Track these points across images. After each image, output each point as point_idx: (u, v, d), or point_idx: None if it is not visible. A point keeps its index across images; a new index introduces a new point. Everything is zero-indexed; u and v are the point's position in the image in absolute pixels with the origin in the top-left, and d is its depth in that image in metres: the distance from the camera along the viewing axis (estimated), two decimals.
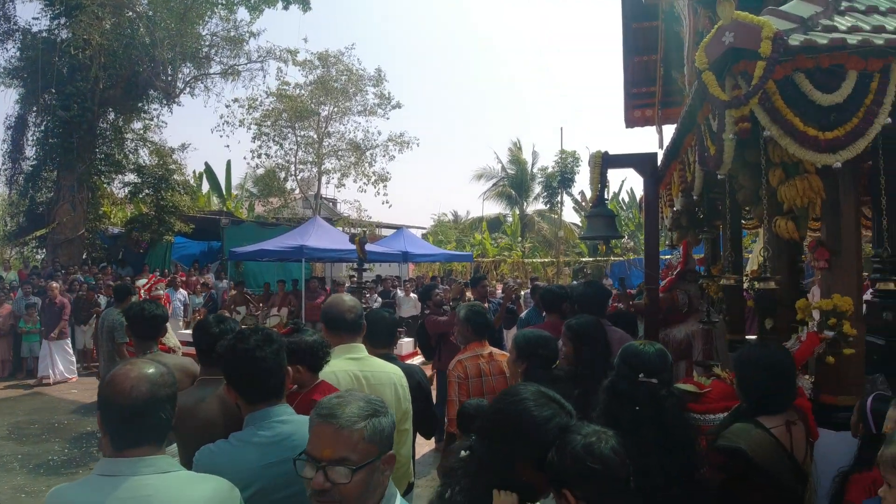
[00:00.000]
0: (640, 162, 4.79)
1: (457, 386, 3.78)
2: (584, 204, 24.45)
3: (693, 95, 3.43)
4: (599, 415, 2.44)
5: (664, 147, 5.28)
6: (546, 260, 24.86)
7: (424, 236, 30.16)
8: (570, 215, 32.12)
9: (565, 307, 4.53)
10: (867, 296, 4.21)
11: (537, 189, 33.21)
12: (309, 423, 1.66)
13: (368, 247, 16.59)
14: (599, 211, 4.98)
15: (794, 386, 2.64)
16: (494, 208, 35.79)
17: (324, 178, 24.60)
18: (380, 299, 14.57)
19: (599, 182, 4.88)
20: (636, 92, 7.99)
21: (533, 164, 34.43)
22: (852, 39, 2.83)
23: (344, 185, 25.09)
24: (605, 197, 4.96)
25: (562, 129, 46.70)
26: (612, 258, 22.01)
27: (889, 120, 2.81)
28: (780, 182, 3.17)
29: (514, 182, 34.26)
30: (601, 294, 4.18)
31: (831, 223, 3.32)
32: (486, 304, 7.93)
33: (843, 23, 3.08)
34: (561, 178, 24.95)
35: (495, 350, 4.00)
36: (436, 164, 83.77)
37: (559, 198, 25.79)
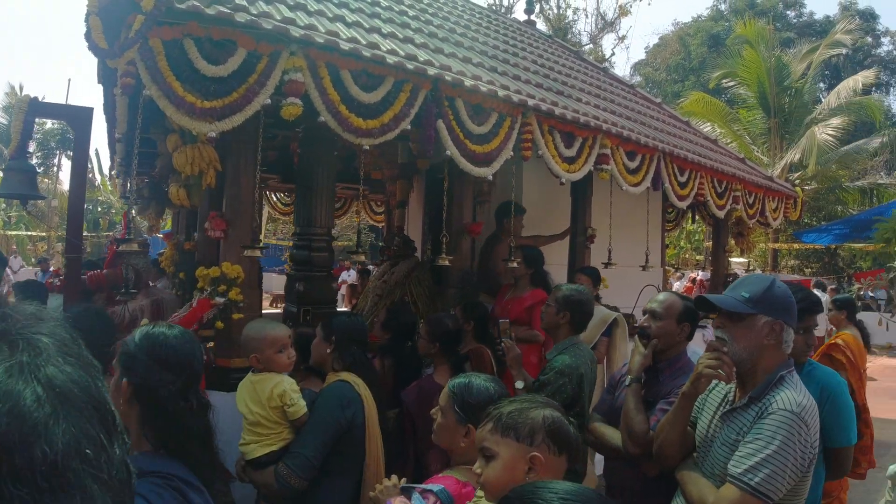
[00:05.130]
0: (73, 115, 4.26)
1: None
2: (90, 174, 21.90)
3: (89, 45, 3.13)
4: None
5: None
6: (36, 234, 21.31)
7: None
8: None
9: None
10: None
11: (31, 148, 28.38)
12: None
13: None
14: (19, 164, 4.27)
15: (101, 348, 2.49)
16: None
17: None
18: None
19: (22, 131, 4.18)
20: None
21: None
22: (241, 18, 2.92)
23: None
24: (29, 150, 4.28)
25: (70, 80, 40.94)
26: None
27: (269, 101, 3.00)
28: (175, 148, 3.14)
29: (4, 135, 28.60)
30: None
31: (231, 195, 3.45)
32: None
33: (260, 7, 3.18)
34: (61, 138, 21.77)
35: None
36: None
37: (57, 160, 22.45)
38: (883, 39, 34.15)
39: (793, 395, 1.93)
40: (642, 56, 42.40)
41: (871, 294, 17.44)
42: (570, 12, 30.03)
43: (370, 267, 10.06)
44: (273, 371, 2.73)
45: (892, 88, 33.62)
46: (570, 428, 1.64)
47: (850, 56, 30.21)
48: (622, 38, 26.79)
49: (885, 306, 16.77)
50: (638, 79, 38.73)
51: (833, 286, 12.33)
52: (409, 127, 3.48)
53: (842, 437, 2.74)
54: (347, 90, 3.21)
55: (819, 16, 34.89)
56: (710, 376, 2.06)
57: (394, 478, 2.10)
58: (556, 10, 28.35)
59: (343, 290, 12.71)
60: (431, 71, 3.56)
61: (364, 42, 3.41)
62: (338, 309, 9.91)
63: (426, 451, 2.92)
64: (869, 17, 33.47)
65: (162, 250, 6.23)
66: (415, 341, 3.61)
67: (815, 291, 11.04)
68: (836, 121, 18.14)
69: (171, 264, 5.44)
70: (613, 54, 35.02)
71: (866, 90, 21.10)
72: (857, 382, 5.20)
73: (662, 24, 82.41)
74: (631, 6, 28.39)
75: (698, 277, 14.76)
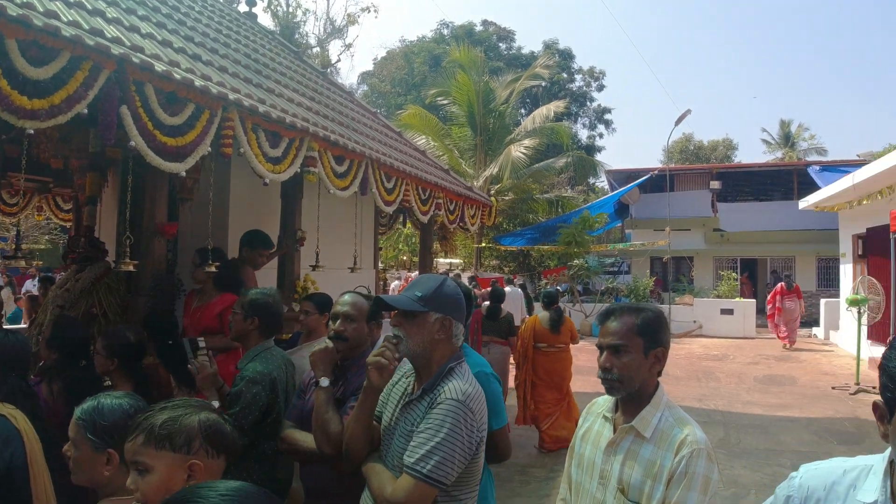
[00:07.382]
0: None
1: None
2: None
3: None
4: None
5: None
6: None
7: None
8: None
9: None
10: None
11: None
12: None
13: None
14: None
15: None
16: None
17: None
18: None
19: None
20: None
21: None
22: None
23: None
24: None
25: None
26: None
27: None
28: None
29: None
30: None
31: None
32: None
33: None
34: None
35: None
36: None
37: None
38: (576, 76, 40.07)
39: (459, 385, 2.08)
40: (370, 67, 43.85)
41: (559, 288, 20.41)
42: (299, 12, 29.82)
43: (55, 275, 8.72)
44: None
45: (579, 118, 39.67)
46: (227, 427, 1.64)
47: (548, 88, 34.95)
48: (349, 46, 27.36)
49: (568, 297, 19.75)
50: (365, 88, 39.99)
51: (521, 282, 14.39)
52: (85, 111, 3.05)
53: (493, 420, 3.04)
54: (12, 63, 2.69)
55: (526, 51, 39.67)
56: (376, 364, 2.16)
57: None
58: (285, 8, 27.94)
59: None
60: (117, 50, 3.17)
61: (40, 9, 2.92)
62: (21, 325, 8.45)
63: None
64: (567, 56, 39.01)
65: None
66: (90, 359, 3.21)
67: (507, 287, 12.72)
68: (528, 141, 20.81)
69: None
70: (339, 60, 35.65)
71: (558, 118, 24.61)
72: (527, 353, 6.53)
73: (391, 39, 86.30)
74: (359, 16, 29.17)
75: (412, 278, 15.82)
